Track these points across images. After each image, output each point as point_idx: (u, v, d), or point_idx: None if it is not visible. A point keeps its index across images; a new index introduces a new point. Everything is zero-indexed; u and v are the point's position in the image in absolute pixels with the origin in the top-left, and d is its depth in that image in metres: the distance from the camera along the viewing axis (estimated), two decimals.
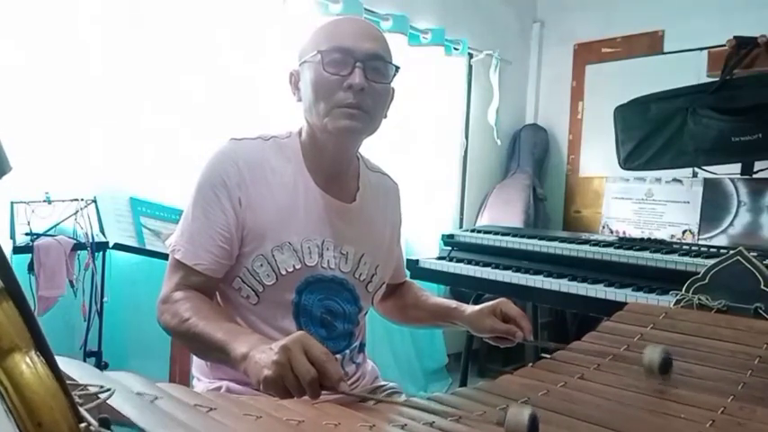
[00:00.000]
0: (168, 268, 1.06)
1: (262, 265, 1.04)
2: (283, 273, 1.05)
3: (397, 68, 1.07)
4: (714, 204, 2.36)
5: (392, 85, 1.09)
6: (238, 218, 1.04)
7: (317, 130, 1.06)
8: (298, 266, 1.05)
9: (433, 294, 1.37)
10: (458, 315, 1.21)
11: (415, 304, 1.32)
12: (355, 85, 1.00)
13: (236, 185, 1.04)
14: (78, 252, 1.87)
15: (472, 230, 2.79)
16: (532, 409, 0.62)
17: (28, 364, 0.35)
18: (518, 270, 2.40)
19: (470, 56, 3.41)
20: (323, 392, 0.78)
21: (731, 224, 2.31)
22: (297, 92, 1.10)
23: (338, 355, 1.10)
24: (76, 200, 1.89)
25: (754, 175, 2.37)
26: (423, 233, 3.13)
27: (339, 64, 1.01)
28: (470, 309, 1.20)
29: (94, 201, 1.93)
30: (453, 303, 1.25)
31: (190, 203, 1.07)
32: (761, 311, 1.15)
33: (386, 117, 1.11)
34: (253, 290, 1.05)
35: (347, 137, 1.06)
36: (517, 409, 0.63)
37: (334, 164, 1.11)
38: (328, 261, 1.08)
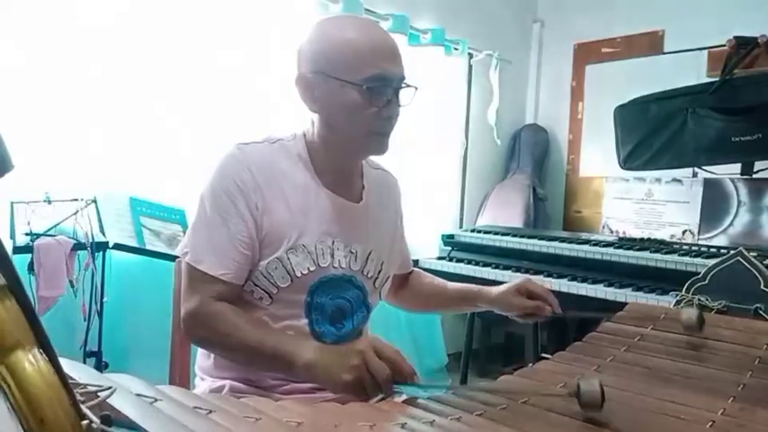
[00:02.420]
0: (188, 279, 1.05)
1: (276, 268, 1.04)
2: (298, 275, 1.05)
3: (416, 89, 1.08)
4: (714, 204, 2.36)
5: None
6: (257, 223, 1.04)
7: (338, 145, 1.08)
8: (312, 268, 1.06)
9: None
10: (483, 297, 1.25)
11: (434, 292, 1.35)
12: (394, 115, 1.04)
13: (252, 190, 1.04)
14: (78, 252, 1.87)
15: (472, 230, 2.79)
16: (599, 379, 0.70)
17: (30, 362, 0.35)
18: (518, 270, 2.41)
19: (470, 56, 3.41)
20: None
21: (731, 224, 2.31)
22: (312, 103, 1.06)
23: None
24: (76, 200, 1.89)
25: (754, 175, 2.37)
26: (423, 233, 3.13)
27: (381, 94, 1.02)
28: (495, 290, 1.23)
29: (94, 201, 1.93)
30: (475, 287, 1.29)
31: (205, 212, 1.05)
32: (761, 312, 1.15)
33: None
34: (266, 292, 1.06)
35: (375, 157, 1.13)
36: (588, 381, 0.70)
37: (343, 168, 1.13)
38: (339, 261, 1.09)
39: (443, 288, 1.34)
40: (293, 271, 1.04)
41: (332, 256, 1.08)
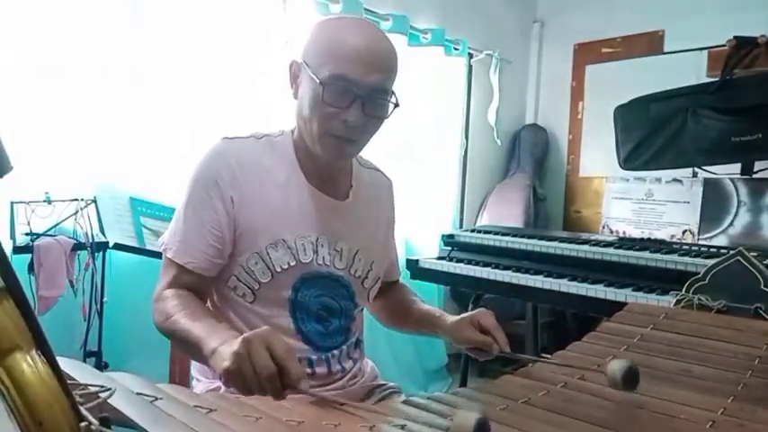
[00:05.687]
0: (162, 267, 1.07)
1: (257, 263, 1.05)
2: (278, 270, 1.05)
3: (397, 105, 1.04)
4: (714, 204, 2.36)
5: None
6: (230, 217, 1.04)
7: (308, 142, 1.07)
8: (293, 263, 1.06)
9: (425, 300, 1.34)
10: (439, 324, 1.19)
11: (401, 308, 1.31)
12: (351, 122, 0.99)
13: (229, 185, 1.04)
14: (78, 252, 1.87)
15: (472, 230, 2.79)
16: (482, 416, 0.59)
17: (29, 364, 0.35)
18: (518, 270, 2.40)
19: (470, 56, 3.41)
20: (289, 392, 0.77)
21: (731, 224, 2.31)
22: (294, 88, 1.08)
23: (335, 351, 1.12)
24: (76, 200, 1.89)
25: (754, 175, 2.37)
26: (423, 233, 3.13)
27: (339, 95, 0.99)
28: (451, 319, 1.17)
29: (94, 201, 1.93)
30: (437, 312, 1.23)
31: (182, 202, 1.07)
32: (761, 311, 1.15)
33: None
34: (248, 288, 1.06)
35: (334, 161, 1.08)
36: (464, 414, 0.59)
37: (326, 165, 1.11)
38: (323, 258, 1.09)
39: (410, 308, 1.29)
40: (273, 266, 1.05)
41: (315, 252, 1.08)
